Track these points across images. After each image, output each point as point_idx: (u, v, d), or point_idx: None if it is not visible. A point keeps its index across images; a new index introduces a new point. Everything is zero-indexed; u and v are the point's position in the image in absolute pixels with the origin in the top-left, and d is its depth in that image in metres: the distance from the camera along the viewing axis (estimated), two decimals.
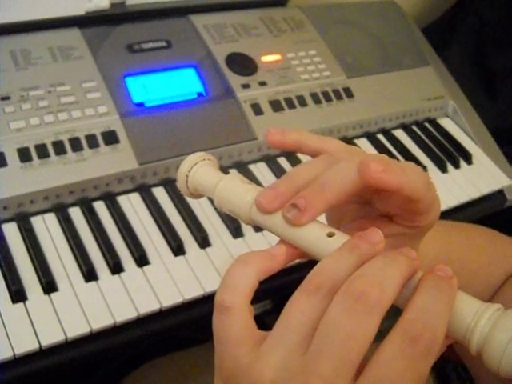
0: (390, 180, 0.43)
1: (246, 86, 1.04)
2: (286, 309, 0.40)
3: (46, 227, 0.83)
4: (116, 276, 0.80)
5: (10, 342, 0.69)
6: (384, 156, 0.48)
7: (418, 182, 0.45)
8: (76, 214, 0.86)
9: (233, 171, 0.47)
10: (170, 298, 0.79)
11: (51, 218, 0.85)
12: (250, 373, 0.39)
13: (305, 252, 0.45)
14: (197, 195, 0.53)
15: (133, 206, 0.89)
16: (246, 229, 0.89)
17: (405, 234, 0.50)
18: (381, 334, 0.38)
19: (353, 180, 0.45)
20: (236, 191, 0.48)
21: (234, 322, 0.41)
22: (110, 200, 0.89)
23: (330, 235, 0.44)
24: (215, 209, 0.90)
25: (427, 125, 1.20)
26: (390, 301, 0.38)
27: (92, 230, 0.84)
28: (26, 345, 0.70)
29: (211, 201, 0.90)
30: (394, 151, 1.12)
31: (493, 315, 0.38)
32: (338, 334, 0.36)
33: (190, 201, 0.91)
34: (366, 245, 0.41)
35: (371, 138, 1.13)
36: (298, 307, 0.39)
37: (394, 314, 0.39)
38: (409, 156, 1.11)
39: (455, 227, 0.73)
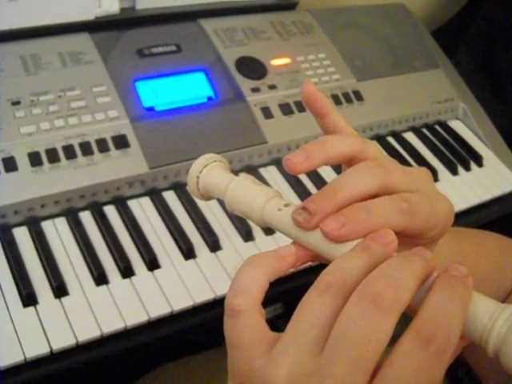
0: (352, 232, 0.43)
1: (255, 90, 1.04)
2: (298, 309, 0.40)
3: (57, 231, 0.84)
4: (127, 280, 0.80)
5: (20, 345, 0.70)
6: (387, 159, 0.47)
7: (391, 219, 0.44)
8: (87, 218, 0.86)
9: (243, 174, 0.47)
10: (181, 301, 0.79)
11: (62, 222, 0.85)
12: (263, 375, 0.39)
13: (316, 254, 0.45)
14: (207, 197, 0.53)
15: (143, 209, 0.89)
16: (257, 232, 0.89)
17: (416, 242, 0.50)
18: (393, 339, 0.37)
19: (366, 187, 0.45)
20: (247, 193, 0.48)
21: (245, 325, 0.41)
22: (121, 204, 0.89)
23: None
24: (226, 212, 0.90)
25: (437, 127, 1.20)
26: (406, 302, 0.37)
27: (102, 234, 0.84)
28: (36, 349, 0.70)
29: (222, 204, 0.91)
30: (404, 154, 1.11)
31: (510, 316, 0.38)
32: (354, 335, 0.36)
33: (201, 204, 0.91)
34: (378, 245, 0.41)
35: (381, 140, 1.13)
36: (309, 307, 0.39)
37: (405, 318, 0.39)
38: (419, 159, 1.11)
39: (465, 233, 0.72)
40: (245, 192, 0.48)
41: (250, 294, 0.42)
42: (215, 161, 0.52)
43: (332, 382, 0.36)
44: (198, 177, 0.51)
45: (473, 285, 0.39)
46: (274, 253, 0.44)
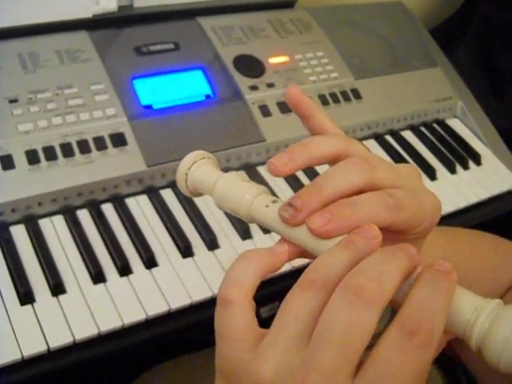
0: (338, 228, 0.43)
1: (253, 88, 1.04)
2: (283, 305, 0.40)
3: (54, 229, 0.83)
4: (124, 278, 0.80)
5: (18, 343, 0.70)
6: (373, 158, 0.48)
7: (377, 214, 0.44)
8: (84, 216, 0.86)
9: (239, 172, 0.47)
10: (179, 299, 0.79)
11: (59, 221, 0.85)
12: (249, 370, 0.39)
13: (304, 250, 0.45)
14: (196, 194, 0.53)
15: (141, 208, 0.89)
16: (255, 230, 0.89)
17: (403, 238, 0.50)
18: (379, 336, 0.38)
19: (351, 182, 0.45)
20: (235, 190, 0.48)
21: (235, 315, 0.41)
22: (119, 202, 0.89)
23: None
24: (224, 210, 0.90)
25: (436, 126, 1.20)
26: (389, 295, 0.37)
27: (100, 232, 0.84)
28: (34, 347, 0.70)
29: None
30: (402, 153, 1.11)
31: (493, 310, 0.38)
32: (337, 328, 0.36)
33: (199, 203, 0.90)
34: (361, 240, 0.41)
35: (379, 139, 1.13)
36: (293, 303, 0.39)
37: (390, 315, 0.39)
38: (417, 157, 1.11)
39: (458, 233, 0.73)
40: (232, 189, 0.48)
41: (242, 286, 0.42)
42: (204, 157, 0.52)
43: (317, 375, 0.36)
44: (186, 174, 0.51)
45: (457, 280, 0.39)
46: (268, 249, 0.45)
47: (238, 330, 0.41)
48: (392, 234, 0.48)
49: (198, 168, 0.51)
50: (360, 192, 0.46)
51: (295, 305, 0.39)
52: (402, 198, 0.45)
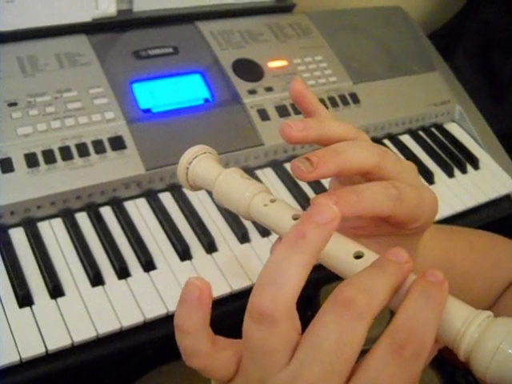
0: (342, 212, 0.41)
1: (252, 92, 1.05)
2: (244, 338, 0.39)
3: (53, 232, 0.84)
4: (122, 281, 0.80)
5: (16, 346, 0.70)
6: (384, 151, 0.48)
7: (380, 204, 0.44)
8: (83, 219, 0.86)
9: (231, 168, 0.48)
10: (177, 302, 0.79)
11: (58, 223, 0.85)
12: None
13: None
14: (196, 188, 0.53)
15: (139, 211, 0.89)
16: (253, 234, 0.89)
17: (401, 233, 0.50)
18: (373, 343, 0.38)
19: (365, 159, 0.46)
20: (235, 186, 0.48)
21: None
22: (117, 205, 0.89)
23: None
24: (222, 214, 0.91)
25: (434, 130, 1.20)
26: (378, 307, 0.37)
27: (99, 235, 0.85)
28: (32, 349, 0.70)
29: (218, 206, 0.90)
30: (400, 156, 1.11)
31: (483, 322, 0.38)
32: (327, 340, 0.36)
33: (197, 206, 0.91)
34: (315, 228, 0.38)
35: (377, 143, 1.12)
36: (251, 339, 0.38)
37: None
38: (415, 161, 1.10)
39: (457, 231, 0.73)
40: (232, 186, 0.48)
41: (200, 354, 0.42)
42: (205, 152, 0.52)
43: None
44: (187, 168, 0.51)
45: (448, 290, 0.39)
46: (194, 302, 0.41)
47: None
48: (390, 228, 0.48)
49: (198, 163, 0.51)
50: (366, 174, 0.47)
51: (254, 340, 0.38)
52: (405, 191, 0.46)
